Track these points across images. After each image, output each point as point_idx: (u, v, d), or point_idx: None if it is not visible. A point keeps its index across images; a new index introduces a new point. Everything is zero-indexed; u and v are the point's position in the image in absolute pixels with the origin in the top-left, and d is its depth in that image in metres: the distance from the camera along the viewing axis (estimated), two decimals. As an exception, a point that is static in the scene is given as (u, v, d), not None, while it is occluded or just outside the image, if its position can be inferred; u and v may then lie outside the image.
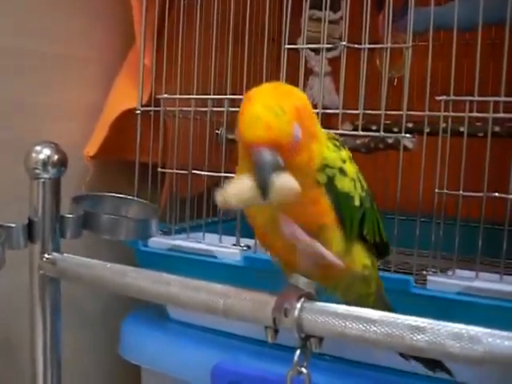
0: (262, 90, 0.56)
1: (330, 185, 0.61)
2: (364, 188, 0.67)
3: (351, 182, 0.64)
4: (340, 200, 0.62)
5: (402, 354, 0.79)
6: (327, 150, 0.62)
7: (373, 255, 0.72)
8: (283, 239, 0.60)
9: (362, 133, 0.93)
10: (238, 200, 0.55)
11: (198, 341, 1.05)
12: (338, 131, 0.95)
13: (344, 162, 0.63)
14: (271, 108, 0.53)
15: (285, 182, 0.54)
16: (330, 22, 1.03)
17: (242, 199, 0.55)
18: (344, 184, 0.62)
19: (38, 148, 0.83)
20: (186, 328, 1.09)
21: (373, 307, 0.62)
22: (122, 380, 1.29)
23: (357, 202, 0.64)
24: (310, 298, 0.64)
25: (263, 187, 0.53)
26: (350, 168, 0.64)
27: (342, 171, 0.62)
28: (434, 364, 0.79)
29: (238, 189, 0.55)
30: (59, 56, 1.12)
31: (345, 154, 0.64)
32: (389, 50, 0.91)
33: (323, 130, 0.64)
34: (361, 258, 0.68)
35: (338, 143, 0.64)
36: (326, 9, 0.95)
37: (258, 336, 0.97)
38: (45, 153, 0.83)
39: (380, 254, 0.76)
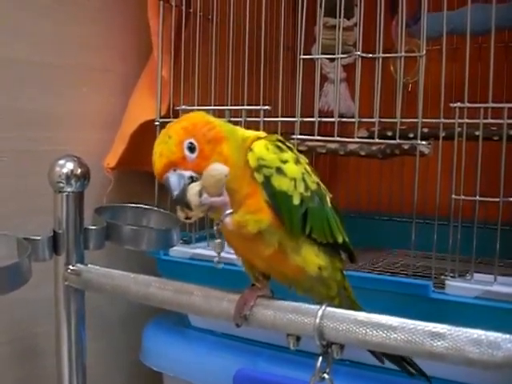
0: (163, 130, 0.65)
1: (268, 184, 0.66)
2: (310, 188, 0.70)
3: (291, 181, 0.67)
4: (277, 198, 0.66)
5: (375, 355, 0.80)
6: (266, 151, 0.66)
7: (336, 258, 0.74)
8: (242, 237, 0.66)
9: (378, 140, 0.93)
10: (191, 214, 0.63)
11: (219, 347, 1.06)
12: (353, 139, 0.96)
13: (284, 162, 0.67)
14: (161, 141, 0.63)
15: (207, 172, 0.62)
16: (344, 28, 1.04)
17: (191, 212, 0.63)
18: (281, 183, 0.66)
19: (61, 162, 0.85)
20: (207, 335, 1.11)
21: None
22: (144, 386, 1.31)
23: (296, 201, 0.67)
24: (266, 297, 0.70)
25: (181, 204, 0.62)
26: (292, 168, 0.68)
27: (280, 171, 0.66)
28: (410, 367, 0.80)
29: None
30: (78, 67, 1.14)
31: (288, 155, 0.68)
32: (402, 59, 0.91)
33: (261, 133, 0.71)
34: (313, 258, 0.70)
35: (281, 145, 0.69)
36: (340, 17, 0.96)
37: (279, 342, 0.99)
38: (68, 167, 0.85)
39: (350, 259, 0.79)
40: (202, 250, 1.07)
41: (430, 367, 0.77)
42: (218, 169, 0.62)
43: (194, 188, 0.62)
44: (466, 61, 0.87)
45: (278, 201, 0.66)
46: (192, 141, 0.62)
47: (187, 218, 0.64)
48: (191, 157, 0.62)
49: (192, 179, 0.62)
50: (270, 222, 0.65)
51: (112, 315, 1.25)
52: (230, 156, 0.64)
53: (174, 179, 0.62)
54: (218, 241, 0.66)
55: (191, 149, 0.62)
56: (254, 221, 0.64)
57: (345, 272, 0.77)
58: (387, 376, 0.91)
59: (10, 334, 1.04)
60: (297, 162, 0.69)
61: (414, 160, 0.93)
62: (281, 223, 0.66)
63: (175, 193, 0.61)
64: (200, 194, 0.61)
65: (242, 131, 0.70)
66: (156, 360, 1.13)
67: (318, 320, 0.64)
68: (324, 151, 1.09)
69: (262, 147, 0.67)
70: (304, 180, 0.69)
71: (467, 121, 0.88)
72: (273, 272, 0.72)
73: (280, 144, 0.69)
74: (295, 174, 0.68)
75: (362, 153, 1.05)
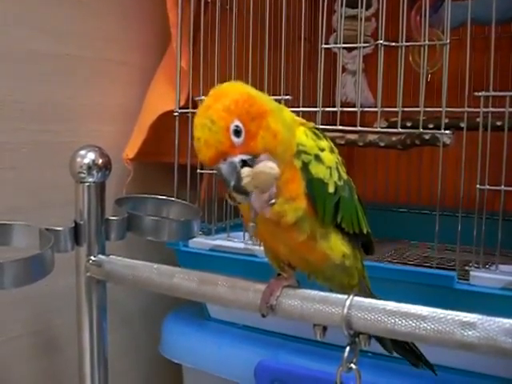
0: (202, 106, 0.61)
1: (306, 170, 0.65)
2: (343, 178, 0.70)
3: (327, 169, 0.67)
4: (314, 185, 0.65)
5: (383, 345, 0.80)
6: (306, 138, 0.66)
7: (356, 248, 0.74)
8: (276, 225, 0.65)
9: (401, 130, 0.92)
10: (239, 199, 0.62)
11: (240, 339, 1.06)
12: (375, 129, 0.95)
13: (322, 150, 0.67)
14: (203, 126, 0.59)
15: (259, 169, 0.60)
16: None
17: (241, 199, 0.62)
18: (319, 170, 0.66)
19: (82, 152, 0.84)
20: (227, 326, 1.11)
21: None
22: (163, 378, 1.31)
23: (331, 189, 0.67)
24: (292, 287, 0.69)
25: (239, 193, 0.60)
26: (328, 157, 0.68)
27: (318, 158, 0.66)
28: (416, 359, 0.80)
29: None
30: (97, 60, 1.14)
31: (324, 143, 0.68)
32: (426, 48, 0.90)
33: (301, 120, 0.70)
34: (339, 245, 0.70)
35: (318, 133, 0.69)
36: (361, 6, 0.95)
37: (300, 333, 0.98)
38: (89, 157, 0.84)
39: (367, 251, 0.79)
40: (222, 242, 1.07)
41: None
42: (270, 166, 0.60)
43: (246, 174, 0.60)
44: (491, 49, 0.87)
45: (314, 188, 0.65)
46: (237, 124, 0.59)
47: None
48: (238, 141, 0.59)
49: (243, 162, 0.60)
50: (305, 209, 0.65)
51: (132, 307, 1.25)
52: (279, 131, 0.61)
53: (226, 170, 0.60)
54: (252, 224, 0.64)
55: (237, 132, 0.59)
56: (292, 210, 0.64)
57: (369, 263, 0.77)
58: (411, 367, 0.90)
59: (31, 325, 1.04)
60: (331, 150, 0.69)
61: (432, 151, 0.92)
62: (313, 211, 0.66)
63: (232, 184, 0.60)
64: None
65: (287, 110, 0.68)
66: (175, 352, 1.13)
67: (345, 310, 0.63)
68: (343, 142, 1.08)
69: (302, 133, 0.66)
70: (337, 169, 0.69)
71: (492, 110, 0.87)
72: (295, 259, 0.71)
73: (317, 132, 0.69)
74: (331, 162, 0.68)
75: (382, 144, 1.04)
